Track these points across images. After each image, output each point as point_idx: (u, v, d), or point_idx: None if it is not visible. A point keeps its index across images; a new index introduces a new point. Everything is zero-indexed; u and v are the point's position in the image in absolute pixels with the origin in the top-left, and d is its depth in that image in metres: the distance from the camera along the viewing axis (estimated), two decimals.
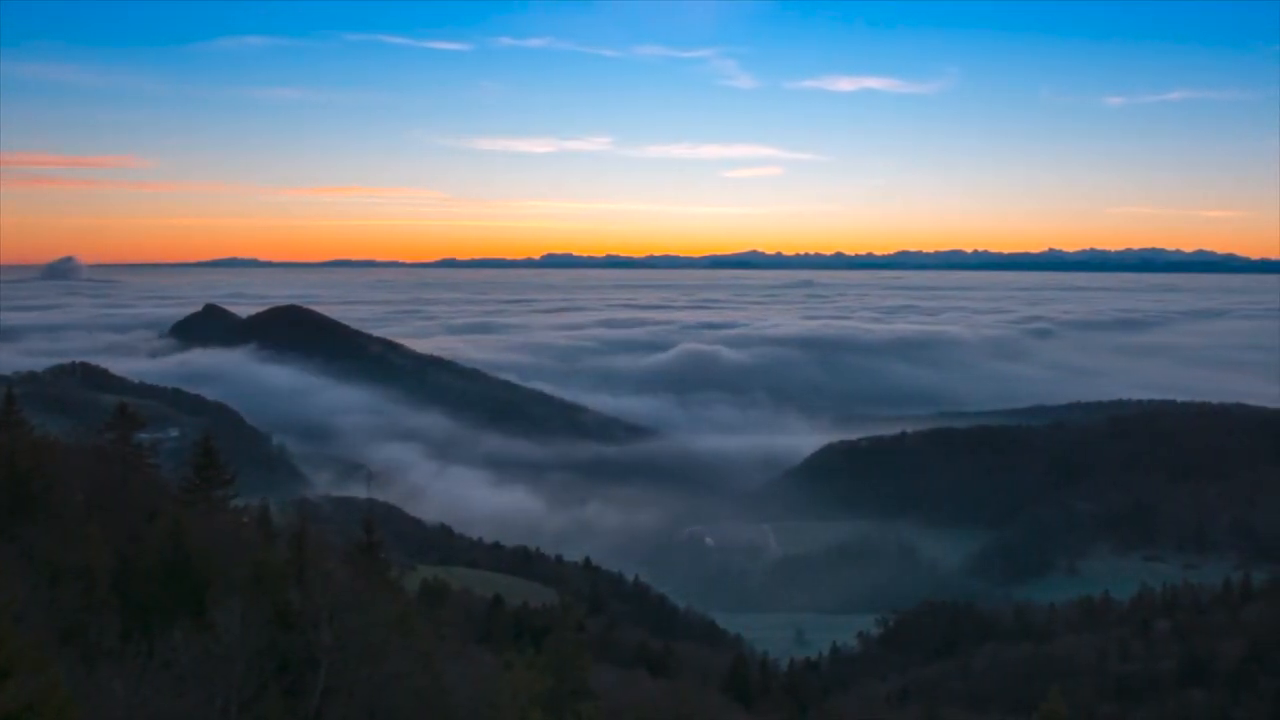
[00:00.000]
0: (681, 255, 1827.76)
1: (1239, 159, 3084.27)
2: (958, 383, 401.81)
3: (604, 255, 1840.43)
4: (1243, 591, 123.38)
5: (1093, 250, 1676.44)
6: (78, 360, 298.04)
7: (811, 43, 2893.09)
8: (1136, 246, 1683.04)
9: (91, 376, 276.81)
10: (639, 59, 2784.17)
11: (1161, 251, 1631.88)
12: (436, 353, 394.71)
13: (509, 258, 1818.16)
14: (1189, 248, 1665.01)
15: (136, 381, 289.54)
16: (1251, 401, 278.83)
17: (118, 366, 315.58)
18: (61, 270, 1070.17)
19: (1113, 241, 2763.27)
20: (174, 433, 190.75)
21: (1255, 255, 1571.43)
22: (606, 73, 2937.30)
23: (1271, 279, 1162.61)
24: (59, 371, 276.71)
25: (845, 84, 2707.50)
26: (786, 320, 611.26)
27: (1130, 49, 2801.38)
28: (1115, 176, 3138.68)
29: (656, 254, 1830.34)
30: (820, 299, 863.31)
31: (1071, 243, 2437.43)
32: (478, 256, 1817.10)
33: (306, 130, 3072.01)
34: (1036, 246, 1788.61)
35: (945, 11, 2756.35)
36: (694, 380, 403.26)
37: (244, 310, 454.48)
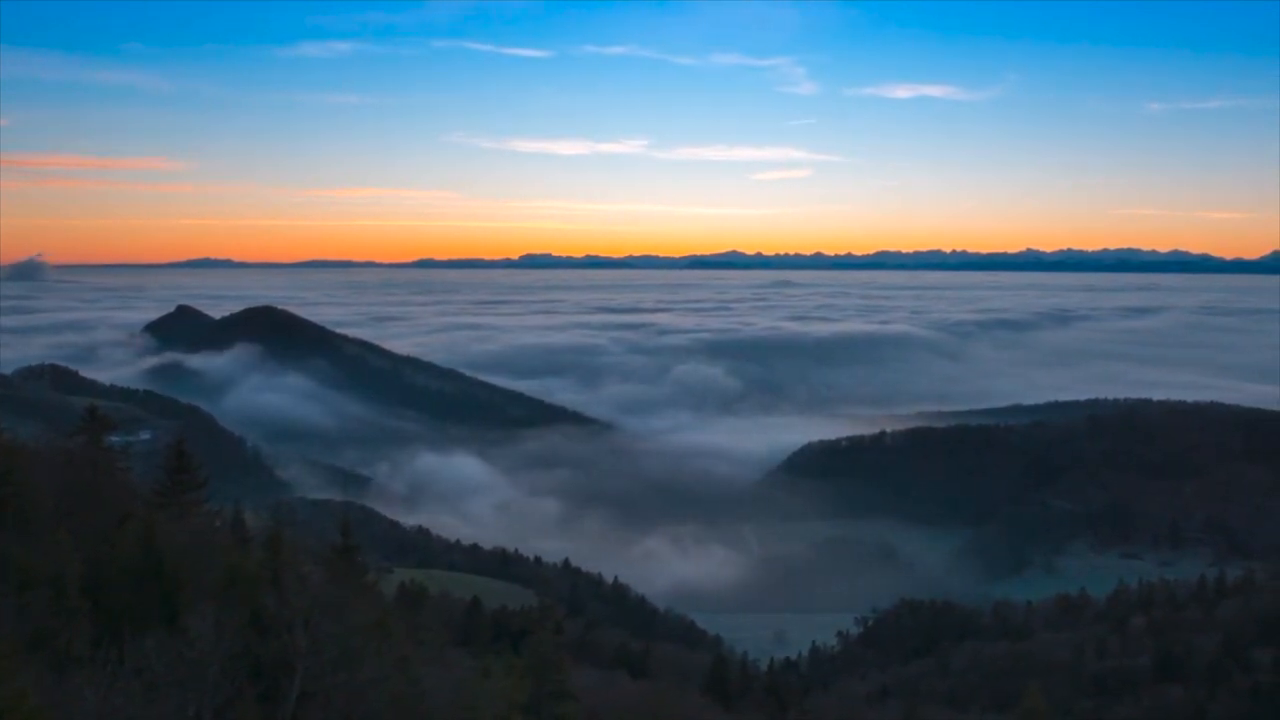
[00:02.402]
0: (661, 255, 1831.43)
1: (1218, 163, 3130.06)
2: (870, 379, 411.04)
3: (583, 256, 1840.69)
4: (1217, 587, 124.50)
5: (1070, 250, 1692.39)
6: (47, 363, 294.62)
7: (879, 51, 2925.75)
8: (1113, 247, 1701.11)
9: (61, 379, 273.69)
10: (714, 66, 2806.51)
11: (1137, 252, 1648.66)
12: (414, 353, 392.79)
13: (487, 258, 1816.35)
14: (1165, 248, 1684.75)
15: (107, 384, 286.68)
16: (1226, 400, 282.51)
17: (88, 369, 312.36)
18: (28, 271, 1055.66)
19: (1090, 242, 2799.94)
20: (145, 435, 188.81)
21: (1230, 255, 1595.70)
22: (657, 76, 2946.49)
23: (1239, 279, 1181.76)
24: (28, 374, 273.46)
25: (902, 91, 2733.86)
26: (762, 321, 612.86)
27: (1144, 56, 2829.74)
28: (1098, 178, 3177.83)
29: (636, 254, 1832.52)
30: (797, 299, 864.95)
31: (1050, 243, 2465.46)
32: (456, 257, 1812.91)
33: (350, 134, 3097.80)
34: (1014, 246, 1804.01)
35: (1010, 20, 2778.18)
36: (671, 381, 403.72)
37: (218, 311, 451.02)
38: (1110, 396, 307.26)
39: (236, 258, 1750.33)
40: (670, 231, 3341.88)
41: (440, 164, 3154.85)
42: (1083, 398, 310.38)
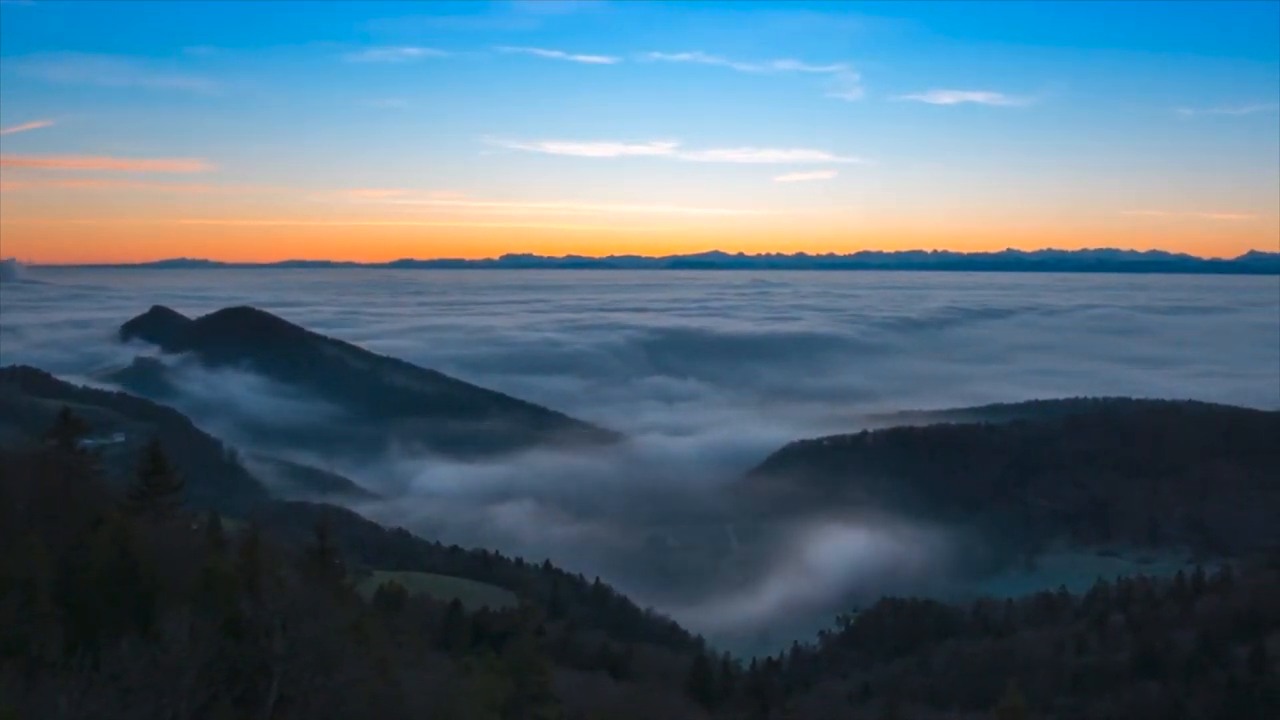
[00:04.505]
0: (642, 256, 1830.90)
1: (1201, 165, 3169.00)
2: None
3: (564, 256, 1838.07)
4: (1195, 584, 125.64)
5: (1049, 250, 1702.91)
6: (18, 365, 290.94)
7: (929, 58, 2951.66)
8: (1092, 247, 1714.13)
9: (33, 381, 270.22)
10: (774, 72, 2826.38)
11: (1116, 252, 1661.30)
12: (393, 354, 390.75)
13: (468, 258, 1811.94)
14: (1144, 248, 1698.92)
15: (80, 386, 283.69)
16: (1203, 399, 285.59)
17: (61, 371, 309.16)
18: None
19: (1070, 242, 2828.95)
20: (119, 438, 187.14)
21: (1207, 255, 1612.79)
22: (711, 81, 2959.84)
23: (1213, 279, 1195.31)
24: None
25: (947, 97, 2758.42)
26: (744, 320, 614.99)
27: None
28: (1081, 180, 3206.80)
29: (617, 254, 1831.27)
30: (775, 299, 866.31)
31: (1030, 243, 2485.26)
32: (436, 257, 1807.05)
33: (377, 137, 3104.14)
34: (995, 247, 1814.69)
35: (1057, 27, 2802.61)
36: (651, 380, 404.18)
37: (193, 312, 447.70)
38: (1090, 395, 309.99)
39: (213, 258, 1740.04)
40: (662, 233, 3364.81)
41: (456, 166, 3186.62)
42: (1062, 396, 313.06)
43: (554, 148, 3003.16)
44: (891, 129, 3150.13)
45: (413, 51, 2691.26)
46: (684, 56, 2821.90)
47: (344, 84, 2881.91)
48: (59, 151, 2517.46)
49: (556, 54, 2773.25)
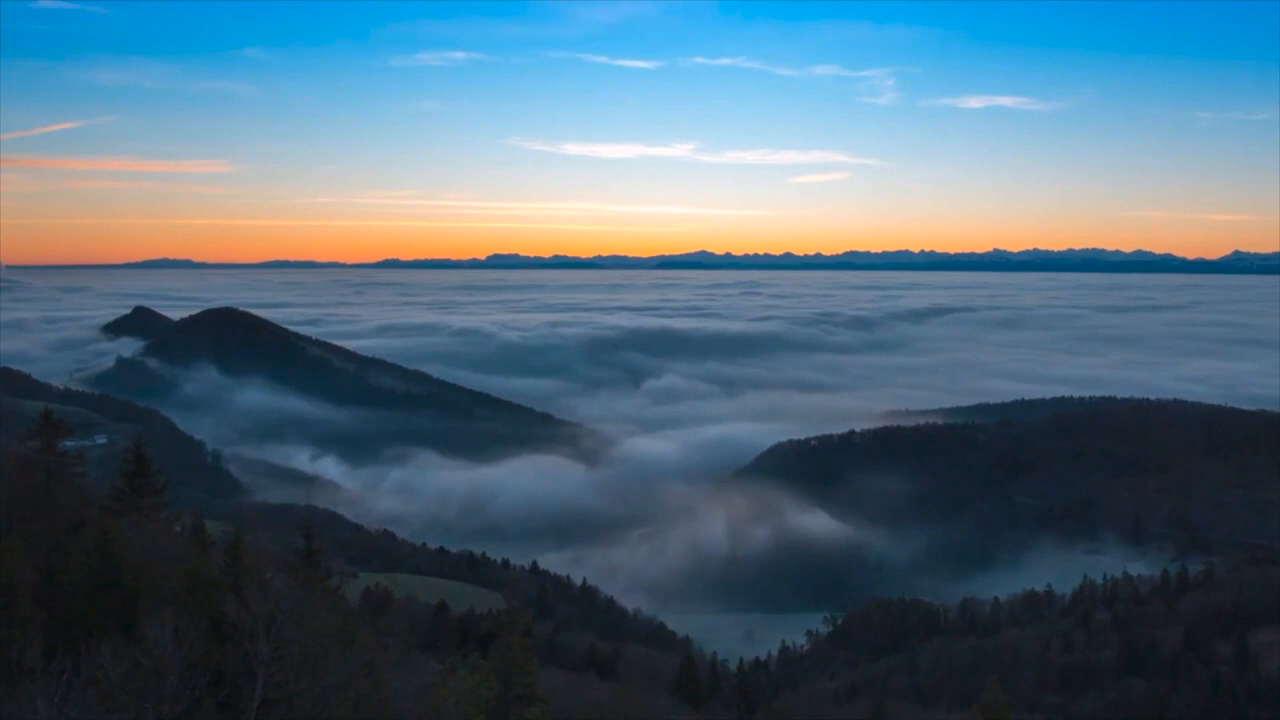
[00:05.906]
0: (630, 256, 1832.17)
1: (1189, 166, 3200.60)
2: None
3: (551, 256, 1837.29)
4: (1179, 583, 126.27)
5: (1036, 250, 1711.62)
6: None
7: (961, 63, 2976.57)
8: (1079, 247, 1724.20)
9: (14, 382, 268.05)
10: (812, 77, 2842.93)
11: (1102, 252, 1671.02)
12: (376, 354, 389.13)
13: (454, 258, 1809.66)
14: (1129, 248, 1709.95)
15: (62, 387, 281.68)
16: (1189, 398, 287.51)
17: (42, 371, 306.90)
18: None
19: (1057, 242, 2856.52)
20: (101, 440, 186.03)
21: (1192, 255, 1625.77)
22: (749, 85, 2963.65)
23: (1192, 278, 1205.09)
24: None
25: (976, 101, 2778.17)
26: (728, 320, 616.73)
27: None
28: (1068, 180, 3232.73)
29: (604, 254, 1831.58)
30: (757, 299, 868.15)
31: (1017, 243, 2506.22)
32: (421, 257, 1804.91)
33: (396, 139, 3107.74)
34: (982, 247, 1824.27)
35: (1084, 32, 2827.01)
36: (639, 381, 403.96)
37: (176, 313, 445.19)
38: (1075, 395, 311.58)
39: (196, 258, 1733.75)
40: (657, 233, 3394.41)
41: (470, 168, 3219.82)
42: (1048, 395, 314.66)
43: (574, 149, 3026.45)
44: (911, 132, 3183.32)
45: (458, 55, 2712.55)
46: (725, 61, 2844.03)
47: (385, 87, 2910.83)
48: (74, 153, 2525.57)
49: (602, 59, 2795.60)
